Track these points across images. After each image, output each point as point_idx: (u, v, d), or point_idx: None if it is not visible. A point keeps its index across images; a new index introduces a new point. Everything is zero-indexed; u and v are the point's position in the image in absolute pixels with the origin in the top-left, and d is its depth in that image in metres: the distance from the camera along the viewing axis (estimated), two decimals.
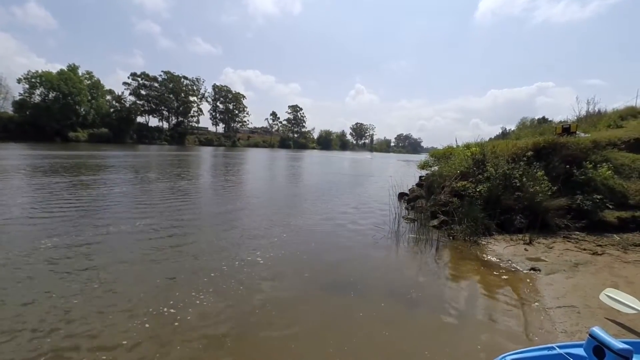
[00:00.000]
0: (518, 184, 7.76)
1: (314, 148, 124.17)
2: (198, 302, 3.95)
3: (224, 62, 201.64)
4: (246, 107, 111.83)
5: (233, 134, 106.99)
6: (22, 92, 62.25)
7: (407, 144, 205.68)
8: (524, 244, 6.59)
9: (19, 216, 7.55)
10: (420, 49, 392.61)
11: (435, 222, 8.09)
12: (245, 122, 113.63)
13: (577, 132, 10.58)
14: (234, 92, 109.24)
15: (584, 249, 6.19)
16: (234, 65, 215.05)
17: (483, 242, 6.79)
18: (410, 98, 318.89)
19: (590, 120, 14.56)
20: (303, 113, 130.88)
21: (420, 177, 15.13)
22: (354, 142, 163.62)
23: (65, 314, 3.57)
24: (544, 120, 25.99)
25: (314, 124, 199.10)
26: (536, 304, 4.23)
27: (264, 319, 3.69)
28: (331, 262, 5.65)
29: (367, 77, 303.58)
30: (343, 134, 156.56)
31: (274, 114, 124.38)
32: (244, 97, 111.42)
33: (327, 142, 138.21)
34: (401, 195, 12.42)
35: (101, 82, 73.01)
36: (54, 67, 69.70)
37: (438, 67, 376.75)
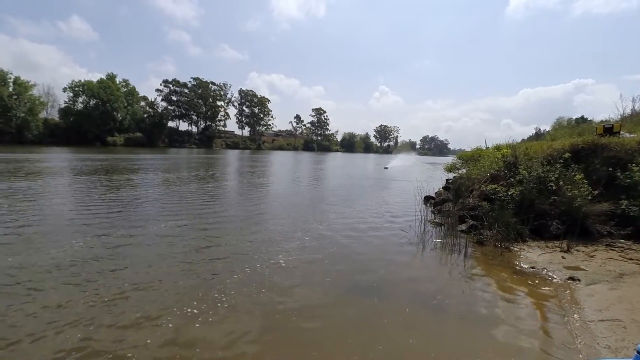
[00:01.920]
0: (554, 188, 7.32)
1: (337, 150, 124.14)
2: (220, 304, 4.04)
3: (249, 67, 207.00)
4: (271, 111, 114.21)
5: (258, 137, 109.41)
6: (66, 100, 67.36)
7: (433, 146, 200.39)
8: (560, 251, 6.19)
9: (61, 215, 8.12)
10: (446, 47, 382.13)
11: (463, 226, 7.81)
12: (269, 125, 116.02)
13: (621, 132, 9.81)
14: (259, 96, 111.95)
15: (631, 259, 5.72)
16: (259, 69, 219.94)
17: (515, 249, 6.45)
18: (436, 99, 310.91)
19: (637, 119, 13.45)
20: (327, 116, 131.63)
21: (447, 180, 14.68)
22: (378, 144, 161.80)
23: (95, 310, 3.78)
24: (582, 119, 24.36)
25: (338, 127, 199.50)
26: (576, 315, 3.95)
27: (286, 323, 3.70)
28: (354, 266, 5.60)
29: (390, 78, 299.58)
30: (367, 136, 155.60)
31: (297, 117, 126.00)
32: (268, 101, 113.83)
33: (350, 144, 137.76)
34: (427, 199, 12.10)
35: (136, 89, 77.42)
36: (95, 76, 74.84)
37: (465, 66, 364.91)
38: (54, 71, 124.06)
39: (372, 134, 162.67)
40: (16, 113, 56.47)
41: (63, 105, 67.28)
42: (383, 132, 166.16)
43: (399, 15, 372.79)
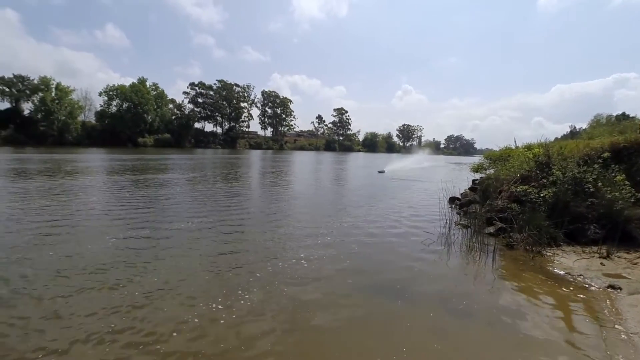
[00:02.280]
0: (592, 190, 6.87)
1: (359, 150, 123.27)
2: (243, 301, 4.12)
3: (272, 68, 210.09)
4: (293, 112, 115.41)
5: (280, 138, 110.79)
6: (102, 103, 71.47)
7: (458, 145, 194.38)
8: (599, 257, 5.80)
9: (96, 212, 8.61)
10: (473, 43, 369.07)
11: (491, 229, 7.51)
12: (292, 125, 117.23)
13: None
14: (281, 97, 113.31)
15: None
16: (281, 71, 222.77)
17: (548, 254, 6.12)
18: (462, 97, 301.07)
19: None
20: (348, 116, 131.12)
21: (473, 180, 14.18)
22: (401, 144, 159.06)
23: (126, 303, 3.98)
24: (624, 116, 22.70)
25: (359, 126, 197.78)
26: (617, 326, 3.69)
27: (307, 323, 3.72)
28: (376, 267, 5.53)
29: (414, 76, 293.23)
30: (389, 136, 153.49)
31: (319, 117, 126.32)
32: (290, 101, 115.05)
33: (372, 144, 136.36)
34: (452, 200, 11.75)
35: (164, 92, 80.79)
36: (127, 81, 79.28)
37: (493, 63, 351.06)
38: (91, 77, 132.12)
39: (394, 133, 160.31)
40: (58, 116, 60.62)
41: (99, 109, 71.54)
42: (406, 132, 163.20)
43: (424, 12, 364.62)
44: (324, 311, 3.97)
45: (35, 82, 61.61)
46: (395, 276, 5.15)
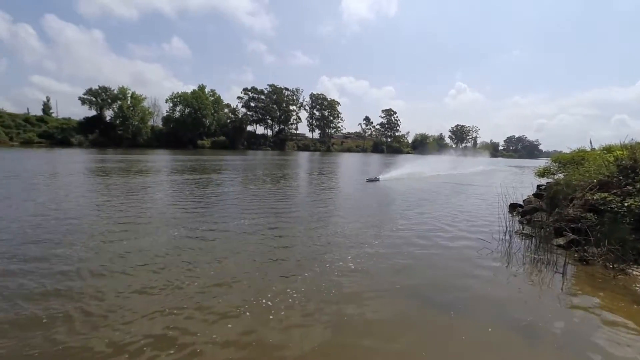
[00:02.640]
0: None
1: (408, 152, 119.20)
2: (291, 300, 4.21)
3: (320, 71, 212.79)
4: (340, 114, 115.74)
5: (327, 140, 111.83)
6: (167, 109, 78.93)
7: (520, 147, 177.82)
8: None
9: (160, 207, 9.50)
10: (539, 34, 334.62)
11: (560, 240, 6.73)
12: (339, 127, 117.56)
13: None
14: (329, 99, 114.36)
15: None
16: (329, 73, 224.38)
17: (635, 273, 5.30)
18: (525, 93, 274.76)
19: None
20: (397, 117, 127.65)
21: (538, 186, 12.85)
22: (454, 145, 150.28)
23: (182, 294, 4.30)
24: None
25: (408, 127, 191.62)
26: None
27: (354, 330, 3.66)
28: (426, 276, 5.28)
29: (469, 73, 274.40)
30: (441, 137, 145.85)
31: (367, 119, 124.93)
32: (338, 103, 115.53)
33: (422, 146, 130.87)
34: (513, 207, 10.76)
35: (221, 97, 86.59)
36: (189, 88, 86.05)
37: (563, 55, 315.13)
38: (158, 85, 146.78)
39: (446, 134, 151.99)
40: (132, 122, 68.39)
41: (165, 114, 79.18)
42: (459, 133, 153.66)
43: (481, 4, 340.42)
44: (369, 319, 3.89)
45: (115, 92, 70.17)
46: (448, 287, 4.86)
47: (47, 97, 70.26)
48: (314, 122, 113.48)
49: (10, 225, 7.06)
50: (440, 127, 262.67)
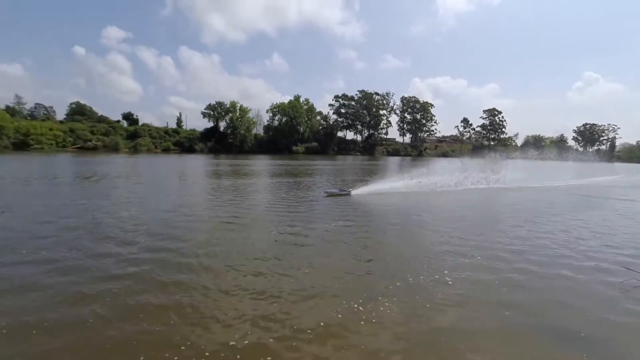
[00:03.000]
0: None
1: (514, 158, 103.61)
2: (382, 308, 4.09)
3: (411, 73, 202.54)
4: (434, 116, 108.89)
5: (419, 144, 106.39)
6: (268, 119, 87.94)
7: None
8: None
9: (262, 207, 10.57)
10: None
11: None
12: (432, 131, 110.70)
13: None
14: (421, 101, 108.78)
15: None
16: (421, 75, 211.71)
17: None
18: None
19: None
20: (502, 117, 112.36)
21: None
22: (580, 148, 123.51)
23: (278, 292, 4.64)
24: None
25: (517, 129, 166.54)
26: None
27: (450, 350, 3.36)
28: (543, 300, 4.45)
29: (603, 60, 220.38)
30: (561, 139, 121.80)
31: (465, 121, 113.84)
32: (432, 106, 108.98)
33: (537, 149, 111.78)
34: None
35: (314, 105, 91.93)
36: (285, 99, 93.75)
37: None
38: (260, 97, 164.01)
39: (569, 135, 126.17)
40: (239, 131, 78.54)
41: (265, 123, 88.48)
42: (589, 133, 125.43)
43: None
44: (470, 343, 3.49)
45: (227, 105, 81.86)
46: (575, 320, 3.99)
47: (179, 112, 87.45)
48: (404, 126, 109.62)
49: (151, 220, 8.94)
50: (561, 126, 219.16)
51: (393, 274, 5.19)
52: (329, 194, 13.43)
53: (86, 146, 61.62)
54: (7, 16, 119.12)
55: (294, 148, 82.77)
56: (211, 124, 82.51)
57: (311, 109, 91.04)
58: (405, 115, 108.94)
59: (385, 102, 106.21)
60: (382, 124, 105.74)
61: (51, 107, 78.86)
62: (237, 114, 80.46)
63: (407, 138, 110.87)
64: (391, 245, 6.86)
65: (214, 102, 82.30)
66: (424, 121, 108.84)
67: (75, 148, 60.45)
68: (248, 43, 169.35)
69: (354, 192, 13.92)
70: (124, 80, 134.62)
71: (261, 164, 37.26)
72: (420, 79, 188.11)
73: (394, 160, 61.83)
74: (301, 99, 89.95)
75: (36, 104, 77.65)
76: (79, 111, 75.04)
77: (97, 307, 3.93)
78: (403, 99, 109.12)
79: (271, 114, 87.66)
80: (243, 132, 79.34)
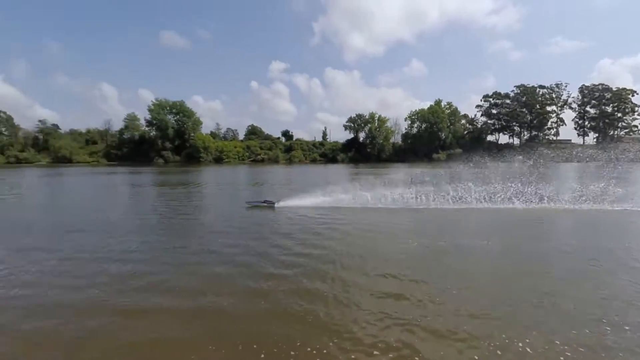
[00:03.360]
0: None
1: None
2: (536, 332, 3.73)
3: (597, 53, 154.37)
4: (636, 107, 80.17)
5: (614, 144, 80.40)
6: (406, 127, 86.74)
7: None
8: None
9: (396, 215, 10.77)
10: None
11: None
12: (633, 127, 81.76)
13: None
14: (613, 89, 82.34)
15: None
16: (613, 54, 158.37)
17: None
18: None
19: None
20: None
21: None
22: None
23: (417, 307, 4.81)
24: None
25: None
26: None
27: None
28: None
29: None
30: None
31: None
32: (633, 93, 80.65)
33: None
34: None
35: (457, 109, 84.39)
36: (425, 105, 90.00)
37: None
38: (398, 106, 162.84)
39: None
40: (378, 140, 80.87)
41: (404, 131, 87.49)
42: None
43: None
44: None
45: (366, 117, 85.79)
46: None
47: (325, 127, 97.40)
48: (586, 122, 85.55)
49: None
50: None
51: (557, 299, 4.55)
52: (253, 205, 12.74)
53: (257, 159, 79.19)
54: (211, 65, 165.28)
55: (435, 156, 78.06)
56: (351, 135, 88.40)
57: (454, 112, 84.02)
58: (588, 108, 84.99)
59: (554, 95, 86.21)
60: (549, 123, 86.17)
61: (236, 130, 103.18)
62: (376, 124, 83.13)
63: (591, 138, 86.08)
64: (553, 267, 5.86)
65: (354, 115, 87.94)
66: (618, 114, 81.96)
67: (250, 161, 78.59)
68: (386, 54, 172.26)
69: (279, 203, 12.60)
70: (283, 104, 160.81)
71: (396, 172, 37.37)
72: (612, 60, 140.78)
73: (570, 168, 49.12)
74: (442, 103, 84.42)
75: (227, 128, 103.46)
76: (253, 132, 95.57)
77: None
78: (583, 88, 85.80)
79: (409, 122, 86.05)
80: (381, 141, 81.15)
